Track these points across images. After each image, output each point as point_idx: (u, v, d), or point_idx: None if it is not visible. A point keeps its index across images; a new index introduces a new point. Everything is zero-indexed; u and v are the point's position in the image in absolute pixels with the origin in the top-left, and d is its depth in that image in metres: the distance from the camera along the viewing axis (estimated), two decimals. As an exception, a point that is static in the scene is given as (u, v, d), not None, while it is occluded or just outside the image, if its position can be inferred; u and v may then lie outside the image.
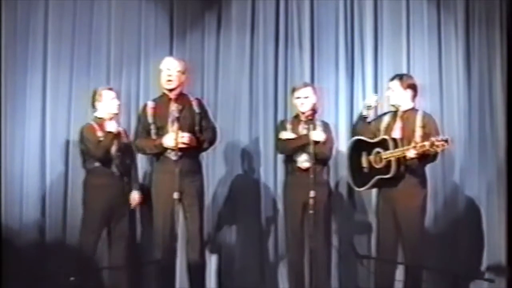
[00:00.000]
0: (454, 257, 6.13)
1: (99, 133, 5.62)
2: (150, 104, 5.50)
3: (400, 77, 5.50)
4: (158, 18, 6.41)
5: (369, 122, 5.57)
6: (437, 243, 6.08)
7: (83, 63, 6.30)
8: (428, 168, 5.87)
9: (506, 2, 6.30)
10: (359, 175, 5.47)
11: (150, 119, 5.45)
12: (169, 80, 5.42)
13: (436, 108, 6.21)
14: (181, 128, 5.29)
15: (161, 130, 5.41)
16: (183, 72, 5.48)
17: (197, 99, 5.59)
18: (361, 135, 5.50)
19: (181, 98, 5.47)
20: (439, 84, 6.32)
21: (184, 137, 5.26)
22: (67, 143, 6.17)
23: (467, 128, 6.29)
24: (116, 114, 5.71)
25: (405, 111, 5.43)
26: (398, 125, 5.41)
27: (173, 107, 5.37)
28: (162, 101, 5.48)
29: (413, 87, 5.46)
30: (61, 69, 6.27)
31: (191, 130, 5.39)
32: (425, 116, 5.41)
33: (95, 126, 5.67)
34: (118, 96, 5.80)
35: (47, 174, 6.17)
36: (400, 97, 5.43)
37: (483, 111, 6.30)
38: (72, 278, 5.35)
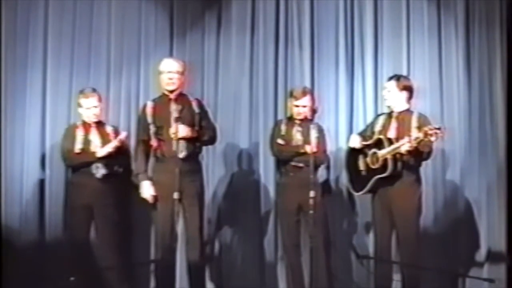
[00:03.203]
0: (454, 257, 6.14)
1: (80, 133, 5.67)
2: (150, 104, 5.54)
3: (397, 78, 5.53)
4: (158, 18, 6.40)
5: (361, 132, 5.60)
6: (437, 243, 6.09)
7: (83, 63, 6.29)
8: (428, 168, 5.92)
9: (506, 2, 6.30)
10: (357, 179, 5.50)
11: (149, 119, 5.48)
12: (171, 83, 5.45)
13: (436, 108, 6.23)
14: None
15: (161, 130, 5.43)
16: (182, 73, 5.52)
17: (196, 99, 5.62)
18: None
19: (181, 98, 5.50)
20: (439, 84, 6.32)
21: (182, 131, 5.29)
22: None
23: (467, 128, 6.29)
24: (97, 122, 5.71)
25: (400, 112, 5.46)
26: (393, 125, 5.44)
27: (174, 107, 5.38)
28: (162, 101, 5.50)
29: (409, 89, 5.48)
30: (61, 69, 6.26)
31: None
32: (421, 117, 5.43)
33: (79, 126, 5.73)
34: (104, 99, 5.84)
35: (47, 174, 6.16)
36: (395, 98, 5.46)
37: (483, 111, 6.30)
38: (72, 278, 5.35)
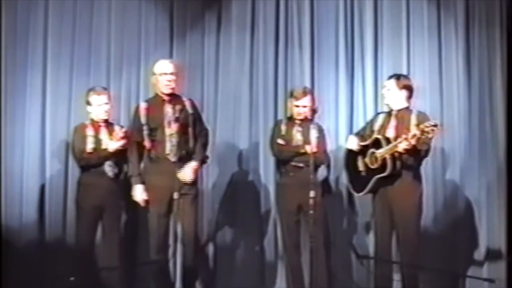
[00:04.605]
0: (454, 257, 6.14)
1: (90, 132, 5.66)
2: (143, 105, 5.53)
3: (397, 77, 5.54)
4: (158, 18, 6.40)
5: (362, 135, 5.61)
6: (437, 243, 6.10)
7: (83, 63, 6.29)
8: (428, 168, 5.92)
9: (506, 2, 6.31)
10: (357, 180, 5.50)
11: (143, 120, 5.46)
12: (169, 86, 5.43)
13: (436, 108, 6.23)
14: (177, 129, 5.34)
15: (155, 132, 5.43)
16: (178, 74, 5.50)
17: (189, 100, 5.61)
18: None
19: (175, 99, 5.49)
20: (439, 84, 6.33)
21: (188, 175, 5.35)
22: (67, 143, 6.15)
23: (467, 128, 6.29)
24: (106, 121, 5.72)
25: (399, 110, 5.46)
26: (392, 124, 5.44)
27: (169, 109, 5.39)
28: (155, 102, 5.50)
29: (408, 88, 5.49)
30: (61, 69, 6.26)
31: (185, 132, 5.43)
32: (420, 114, 5.44)
33: (88, 126, 5.72)
34: (113, 98, 5.85)
35: (47, 174, 6.16)
36: (395, 97, 5.46)
37: (483, 111, 6.30)
38: (72, 278, 5.35)
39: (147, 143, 5.47)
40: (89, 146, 5.65)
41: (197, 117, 5.57)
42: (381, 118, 5.55)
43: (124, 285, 5.74)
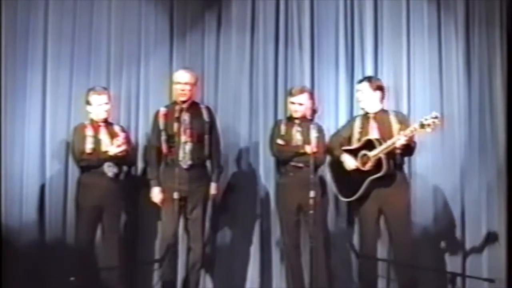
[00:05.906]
0: (454, 257, 6.14)
1: (89, 133, 5.67)
2: (162, 111, 5.68)
3: (368, 79, 5.62)
4: (158, 18, 6.41)
5: (339, 131, 5.65)
6: (437, 243, 6.10)
7: (83, 63, 6.29)
8: (428, 168, 5.92)
9: (506, 2, 6.31)
10: (347, 185, 5.49)
11: (161, 126, 5.63)
12: (182, 94, 5.59)
13: (436, 108, 6.20)
14: (192, 136, 5.48)
15: (172, 138, 5.56)
16: (194, 84, 5.68)
17: (207, 107, 5.78)
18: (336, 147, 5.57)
19: (192, 107, 5.64)
20: (439, 84, 6.32)
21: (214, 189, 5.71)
22: (67, 142, 6.15)
23: (467, 128, 6.29)
24: (105, 119, 5.74)
25: (376, 113, 5.50)
26: (373, 126, 5.48)
27: (185, 116, 5.52)
28: (173, 109, 5.62)
29: (381, 89, 5.56)
30: (61, 69, 6.27)
31: (201, 140, 5.59)
32: (398, 114, 5.54)
33: (87, 126, 5.73)
34: (113, 97, 5.88)
35: (47, 174, 6.16)
36: (369, 99, 5.50)
37: (483, 111, 6.30)
38: (72, 278, 5.36)
39: (164, 149, 5.62)
40: (88, 146, 5.66)
41: (212, 126, 5.72)
42: (358, 122, 5.57)
43: (124, 285, 5.75)
